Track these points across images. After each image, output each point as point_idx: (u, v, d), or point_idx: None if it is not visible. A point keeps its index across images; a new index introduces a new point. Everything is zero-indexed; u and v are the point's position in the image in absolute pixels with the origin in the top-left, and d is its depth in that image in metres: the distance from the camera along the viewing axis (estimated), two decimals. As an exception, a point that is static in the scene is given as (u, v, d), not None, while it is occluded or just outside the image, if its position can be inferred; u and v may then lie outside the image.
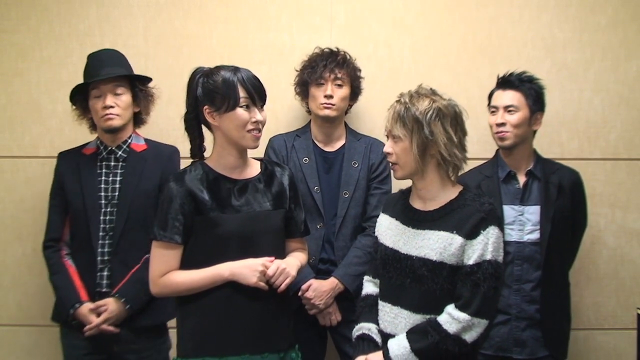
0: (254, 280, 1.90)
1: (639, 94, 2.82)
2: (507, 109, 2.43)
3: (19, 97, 2.84)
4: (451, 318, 1.83)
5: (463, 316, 1.81)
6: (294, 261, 2.05)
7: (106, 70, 2.36)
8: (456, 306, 1.84)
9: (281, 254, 2.04)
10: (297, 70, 2.60)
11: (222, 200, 1.95)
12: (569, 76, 2.83)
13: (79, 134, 2.79)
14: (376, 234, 2.08)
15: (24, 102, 2.84)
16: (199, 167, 1.99)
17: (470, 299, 1.82)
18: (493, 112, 2.49)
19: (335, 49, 2.58)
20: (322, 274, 2.48)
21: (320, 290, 2.42)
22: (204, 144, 2.06)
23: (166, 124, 2.70)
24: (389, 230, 2.00)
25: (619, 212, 2.83)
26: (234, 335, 1.92)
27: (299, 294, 2.41)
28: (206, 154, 2.07)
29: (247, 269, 1.91)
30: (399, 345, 1.86)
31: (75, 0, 2.84)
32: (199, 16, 2.84)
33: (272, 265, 1.93)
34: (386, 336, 1.94)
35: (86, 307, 2.31)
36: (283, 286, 1.94)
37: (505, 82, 2.47)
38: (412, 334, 1.86)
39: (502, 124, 2.42)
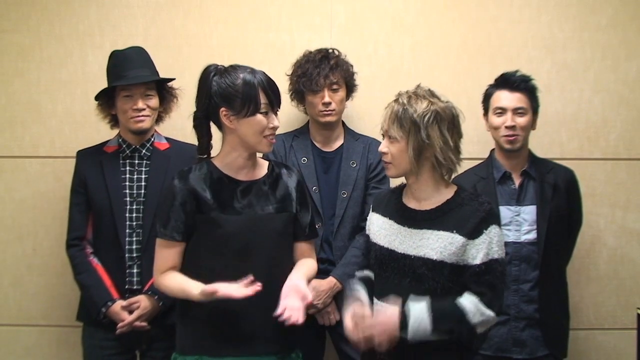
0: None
1: (639, 94, 2.82)
2: (517, 111, 2.40)
3: (19, 97, 2.84)
4: (478, 311, 1.80)
5: (489, 312, 1.81)
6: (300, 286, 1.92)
7: (136, 72, 2.36)
8: (482, 301, 1.81)
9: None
10: (287, 75, 2.58)
11: (224, 200, 1.94)
12: (569, 76, 2.82)
13: (79, 134, 2.81)
14: (367, 232, 2.07)
15: (24, 102, 2.84)
16: (204, 166, 1.98)
17: (493, 298, 1.82)
18: (499, 113, 2.43)
19: (325, 51, 2.55)
20: (321, 274, 2.44)
21: (318, 289, 2.42)
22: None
23: (166, 123, 2.70)
24: (382, 230, 1.99)
25: (619, 212, 2.83)
26: (234, 336, 1.91)
27: (298, 293, 2.41)
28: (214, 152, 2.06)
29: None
30: (421, 318, 1.77)
31: (75, 0, 2.84)
32: (199, 16, 2.84)
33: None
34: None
35: (118, 305, 2.31)
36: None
37: (512, 84, 2.43)
38: (437, 320, 1.77)
39: (513, 127, 2.39)
